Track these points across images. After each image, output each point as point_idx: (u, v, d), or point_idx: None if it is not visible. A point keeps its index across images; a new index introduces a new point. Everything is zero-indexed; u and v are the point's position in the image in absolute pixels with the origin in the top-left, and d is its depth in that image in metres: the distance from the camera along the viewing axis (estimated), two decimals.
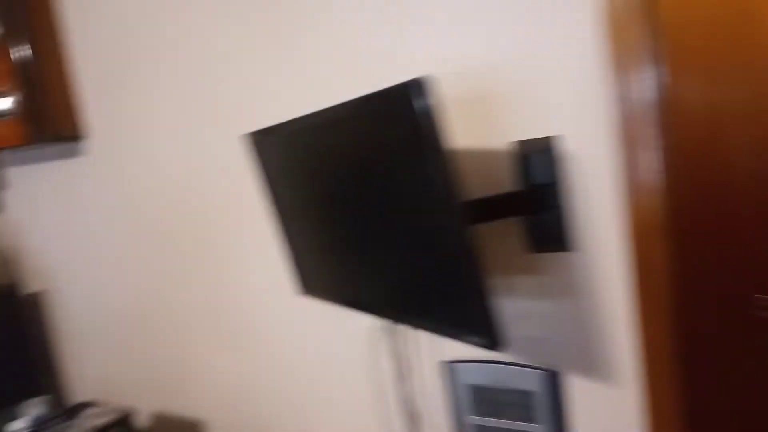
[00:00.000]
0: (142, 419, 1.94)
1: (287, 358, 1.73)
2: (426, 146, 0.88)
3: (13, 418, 1.87)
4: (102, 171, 1.94)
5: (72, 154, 1.97)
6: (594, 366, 1.24)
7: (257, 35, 1.53)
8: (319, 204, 1.28)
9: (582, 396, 1.27)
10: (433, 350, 1.44)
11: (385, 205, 1.04)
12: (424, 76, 0.87)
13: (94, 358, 2.17)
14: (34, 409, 1.99)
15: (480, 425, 1.39)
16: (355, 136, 1.03)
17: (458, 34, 1.23)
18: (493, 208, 1.18)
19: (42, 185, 2.11)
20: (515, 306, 1.30)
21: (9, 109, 1.80)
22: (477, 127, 1.25)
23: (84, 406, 1.83)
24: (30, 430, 1.71)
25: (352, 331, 1.56)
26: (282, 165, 1.37)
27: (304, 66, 1.47)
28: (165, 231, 1.87)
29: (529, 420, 1.32)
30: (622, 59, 1.10)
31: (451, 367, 1.40)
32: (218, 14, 1.58)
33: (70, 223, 2.08)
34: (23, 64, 1.76)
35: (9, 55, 1.75)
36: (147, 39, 1.74)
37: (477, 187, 1.26)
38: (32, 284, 2.22)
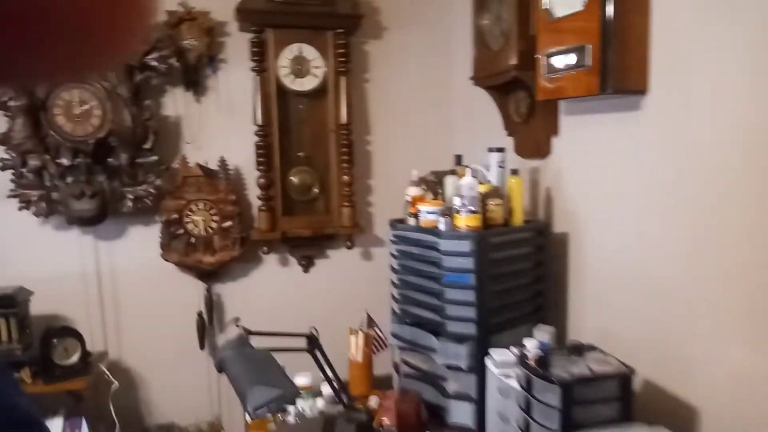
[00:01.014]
0: (633, 383, 1.92)
1: None
2: None
3: (525, 336, 2.12)
4: (655, 127, 1.91)
5: (628, 107, 2.00)
6: None
7: None
8: None
9: None
10: None
11: None
12: None
13: (596, 305, 2.25)
14: (540, 334, 2.22)
15: None
16: None
17: None
18: None
19: (588, 134, 2.24)
20: None
21: (581, 63, 1.94)
22: None
23: (588, 348, 1.92)
24: (541, 350, 1.91)
25: None
26: None
27: None
28: (707, 200, 1.72)
29: None
30: None
31: None
32: None
33: (605, 174, 2.16)
34: (606, 20, 1.85)
35: (599, 13, 1.86)
36: None
37: None
38: (560, 225, 2.44)
